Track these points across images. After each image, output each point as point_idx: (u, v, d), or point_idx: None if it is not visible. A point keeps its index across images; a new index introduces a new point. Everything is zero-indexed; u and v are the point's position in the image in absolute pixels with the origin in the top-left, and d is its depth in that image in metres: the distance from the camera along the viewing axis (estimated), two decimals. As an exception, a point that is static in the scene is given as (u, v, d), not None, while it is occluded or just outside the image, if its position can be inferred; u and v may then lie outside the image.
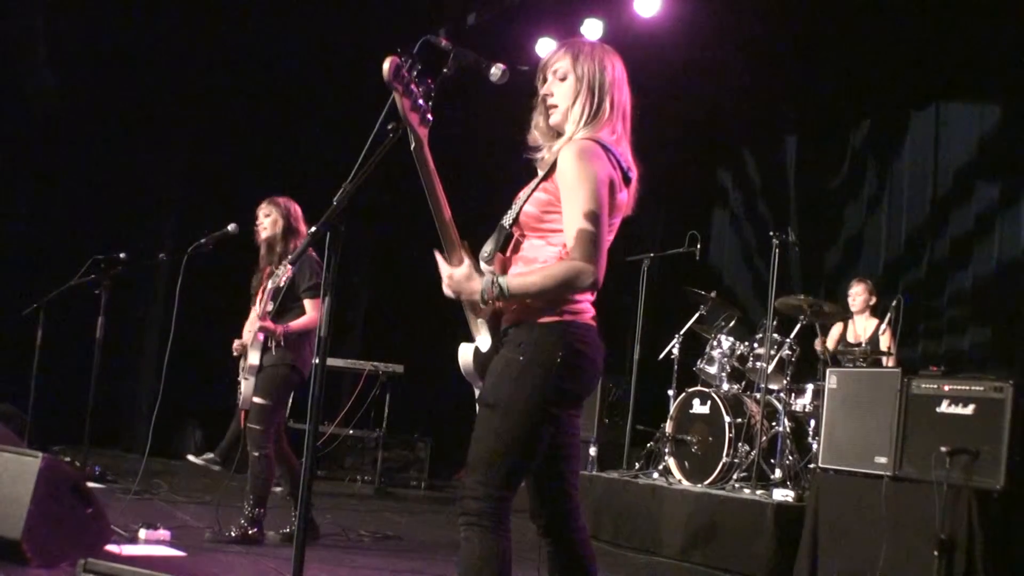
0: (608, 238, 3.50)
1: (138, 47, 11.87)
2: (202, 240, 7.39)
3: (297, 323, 7.12)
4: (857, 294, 9.50)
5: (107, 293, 7.81)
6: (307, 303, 7.14)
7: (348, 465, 11.84)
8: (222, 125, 12.24)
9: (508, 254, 3.63)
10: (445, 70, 3.54)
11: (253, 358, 7.05)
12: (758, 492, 8.03)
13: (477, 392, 3.68)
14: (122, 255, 8.00)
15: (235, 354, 7.44)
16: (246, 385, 7.07)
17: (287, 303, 7.15)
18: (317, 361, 3.52)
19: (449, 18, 11.55)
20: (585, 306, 3.54)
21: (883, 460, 7.00)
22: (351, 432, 11.15)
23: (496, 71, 3.66)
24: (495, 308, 3.56)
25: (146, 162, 12.33)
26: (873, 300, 9.49)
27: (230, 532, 6.87)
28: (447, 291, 3.53)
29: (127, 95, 12.01)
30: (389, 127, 3.40)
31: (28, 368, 8.43)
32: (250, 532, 6.89)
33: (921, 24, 9.72)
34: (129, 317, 11.68)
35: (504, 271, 3.56)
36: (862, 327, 9.44)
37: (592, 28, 10.62)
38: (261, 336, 7.05)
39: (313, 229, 3.55)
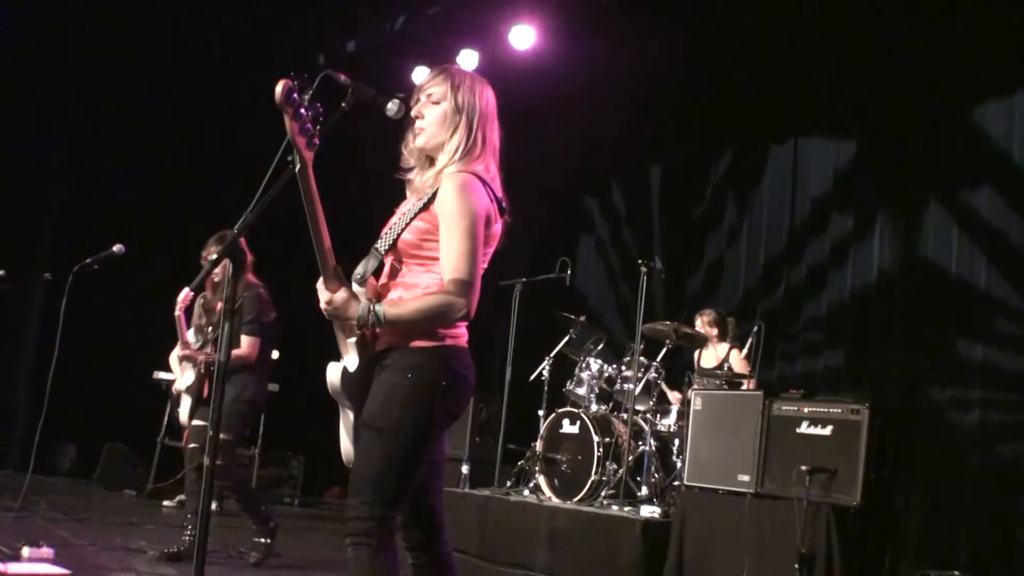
0: (482, 269, 3.63)
1: (18, 51, 11.78)
2: (88, 260, 7.41)
3: None
4: (699, 326, 9.74)
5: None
6: (243, 338, 7.37)
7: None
8: (107, 140, 12.21)
9: (382, 279, 3.72)
10: (343, 104, 3.63)
11: (186, 379, 7.48)
12: (626, 509, 8.24)
13: (343, 410, 3.79)
14: (2, 272, 7.99)
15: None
16: (184, 404, 7.50)
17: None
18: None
19: (329, 45, 11.70)
20: (462, 330, 3.68)
21: (746, 478, 7.32)
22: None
23: (392, 106, 3.69)
24: (366, 331, 3.66)
25: (27, 175, 12.20)
26: (715, 330, 9.69)
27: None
28: (325, 314, 3.62)
29: (6, 105, 11.91)
30: (289, 159, 3.42)
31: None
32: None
33: (781, 62, 10.13)
34: (6, 333, 11.58)
35: (376, 295, 3.66)
36: (714, 354, 9.69)
37: (468, 59, 10.87)
38: (186, 361, 7.49)
39: (213, 257, 3.64)
